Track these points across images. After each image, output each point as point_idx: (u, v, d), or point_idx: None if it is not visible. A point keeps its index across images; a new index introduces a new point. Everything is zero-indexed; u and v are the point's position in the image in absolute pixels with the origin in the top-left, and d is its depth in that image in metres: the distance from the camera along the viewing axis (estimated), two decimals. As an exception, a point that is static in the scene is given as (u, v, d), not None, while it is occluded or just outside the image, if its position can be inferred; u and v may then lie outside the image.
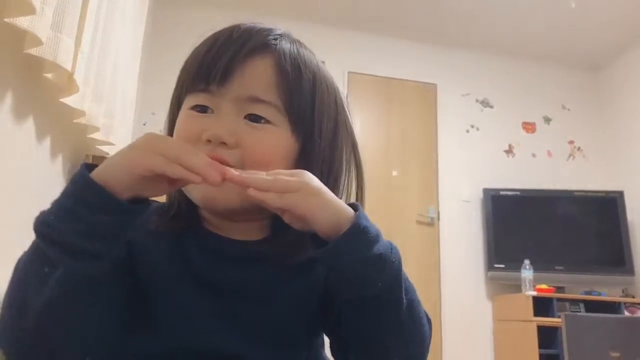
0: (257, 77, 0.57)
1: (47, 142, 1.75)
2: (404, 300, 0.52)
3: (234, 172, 0.49)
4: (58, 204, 0.46)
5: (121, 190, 0.46)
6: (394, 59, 4.39)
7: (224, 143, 0.55)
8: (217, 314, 0.55)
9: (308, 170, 0.57)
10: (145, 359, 0.54)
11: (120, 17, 2.12)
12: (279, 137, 0.58)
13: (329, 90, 0.63)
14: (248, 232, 0.61)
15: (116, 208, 0.46)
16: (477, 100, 4.49)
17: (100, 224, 0.45)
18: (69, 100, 1.65)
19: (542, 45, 4.44)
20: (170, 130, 0.64)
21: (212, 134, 0.55)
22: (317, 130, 0.60)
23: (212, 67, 0.56)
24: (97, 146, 2.19)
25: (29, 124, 1.58)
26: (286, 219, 0.50)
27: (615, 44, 4.34)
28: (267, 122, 0.57)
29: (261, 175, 0.49)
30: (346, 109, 0.66)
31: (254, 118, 0.57)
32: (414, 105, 4.38)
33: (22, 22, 1.22)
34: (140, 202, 0.48)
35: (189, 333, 0.54)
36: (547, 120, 4.57)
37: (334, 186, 0.61)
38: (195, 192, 0.58)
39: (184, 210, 0.61)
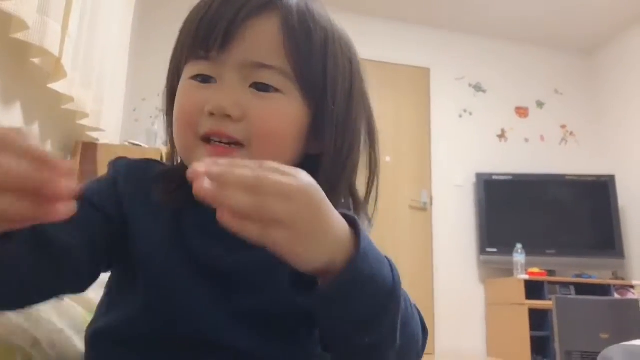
0: (261, 39, 0.51)
1: (35, 128, 1.73)
2: (398, 341, 0.45)
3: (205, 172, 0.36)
4: None
5: None
6: (387, 43, 4.36)
7: (229, 116, 0.50)
8: (214, 301, 0.52)
9: (321, 141, 0.53)
10: (126, 338, 0.52)
11: (107, 0, 2.08)
12: (288, 106, 0.52)
13: (343, 49, 0.56)
14: None
15: None
16: (470, 85, 4.49)
17: None
18: (57, 86, 1.63)
19: (535, 30, 4.43)
20: (170, 103, 0.58)
21: (214, 106, 0.50)
22: (330, 95, 0.54)
23: (211, 30, 0.51)
24: (87, 132, 2.17)
25: (17, 110, 1.56)
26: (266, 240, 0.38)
27: (608, 28, 4.33)
28: (275, 90, 0.52)
29: (240, 175, 0.36)
30: (362, 72, 0.59)
31: (261, 87, 0.51)
32: (406, 90, 4.36)
33: (8, 5, 1.20)
34: None
35: (185, 320, 0.52)
36: (540, 104, 4.58)
37: (347, 158, 0.56)
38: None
39: (188, 185, 0.56)
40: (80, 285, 0.52)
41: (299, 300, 0.44)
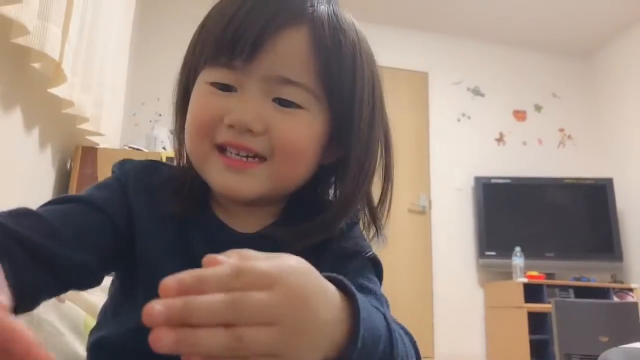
0: (289, 53, 0.49)
1: (35, 133, 1.73)
2: None
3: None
4: None
5: None
6: (385, 47, 4.36)
7: (249, 130, 0.48)
8: None
9: (340, 151, 0.52)
10: (129, 349, 0.50)
11: (107, 5, 2.09)
12: (312, 122, 0.51)
13: (368, 59, 0.55)
14: (258, 217, 0.56)
15: None
16: (468, 89, 4.50)
17: None
18: (57, 91, 1.63)
19: (532, 34, 4.44)
20: (181, 101, 0.56)
21: (236, 119, 0.48)
22: (356, 112, 0.52)
23: (238, 39, 0.48)
24: (87, 137, 2.17)
25: (17, 115, 1.56)
26: None
27: (605, 31, 4.35)
28: (298, 106, 0.50)
29: (208, 309, 0.28)
30: (380, 77, 0.58)
31: (284, 102, 0.50)
32: (405, 94, 4.37)
33: (9, 10, 1.20)
34: None
35: None
36: (538, 108, 4.59)
37: (369, 168, 0.55)
38: (216, 178, 0.51)
39: (197, 191, 0.55)
40: (85, 287, 0.51)
41: None
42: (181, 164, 0.58)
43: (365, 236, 0.59)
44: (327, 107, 0.52)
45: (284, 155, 0.50)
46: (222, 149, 0.50)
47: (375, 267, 0.57)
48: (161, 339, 0.27)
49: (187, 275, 0.28)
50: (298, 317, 0.31)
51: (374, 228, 0.59)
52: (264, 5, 0.49)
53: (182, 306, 0.27)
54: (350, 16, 0.55)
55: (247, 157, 0.50)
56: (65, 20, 1.54)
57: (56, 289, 0.46)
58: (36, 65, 1.52)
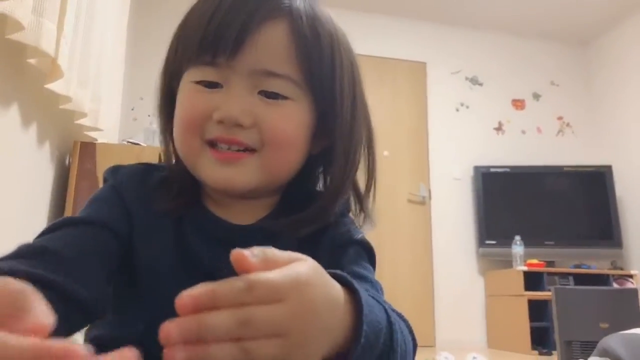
0: (272, 47, 0.50)
1: (33, 129, 1.73)
2: None
3: None
4: None
5: None
6: (383, 38, 4.36)
7: (239, 124, 0.50)
8: None
9: (326, 140, 0.53)
10: (144, 353, 0.51)
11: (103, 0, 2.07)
12: (298, 112, 0.52)
13: (346, 50, 0.57)
14: (252, 210, 0.57)
15: None
16: (466, 78, 4.49)
17: None
18: (54, 86, 1.62)
19: (530, 22, 4.43)
20: (164, 103, 0.58)
21: (224, 115, 0.49)
22: (338, 99, 0.54)
23: (220, 37, 0.49)
24: (85, 132, 2.17)
25: (14, 111, 1.56)
26: None
27: (603, 18, 4.33)
28: (284, 97, 0.51)
29: (220, 327, 0.29)
30: (360, 70, 0.59)
31: (270, 94, 0.51)
32: (403, 84, 4.36)
33: (3, 6, 1.20)
34: None
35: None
36: (537, 96, 4.59)
37: (354, 156, 0.56)
38: (208, 173, 0.52)
39: (187, 187, 0.56)
40: (100, 313, 0.50)
41: None
42: (170, 165, 0.58)
43: (357, 224, 0.61)
44: (311, 96, 0.53)
45: (274, 146, 0.51)
46: (212, 144, 0.51)
47: (369, 254, 0.58)
48: (174, 357, 0.29)
49: (201, 292, 0.29)
50: (306, 330, 0.32)
51: (363, 215, 0.60)
52: (242, 3, 0.50)
53: (196, 327, 0.29)
54: (327, 11, 0.56)
55: (237, 150, 0.51)
56: (60, 15, 1.54)
57: (78, 323, 0.46)
58: (32, 61, 1.51)
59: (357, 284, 0.38)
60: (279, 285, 0.31)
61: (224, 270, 0.52)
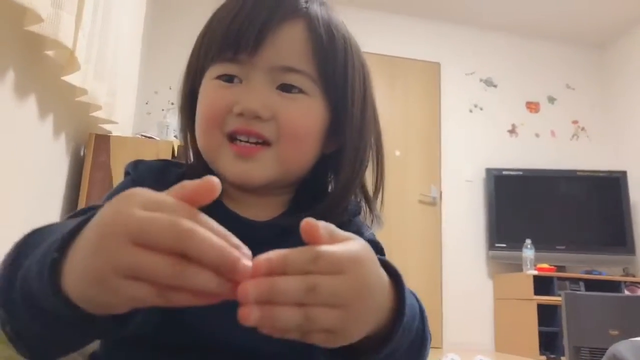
0: (290, 44, 0.54)
1: (49, 120, 1.75)
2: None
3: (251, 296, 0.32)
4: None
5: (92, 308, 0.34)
6: (397, 37, 4.34)
7: (258, 117, 0.52)
8: (233, 303, 0.52)
9: (338, 140, 0.55)
10: (138, 340, 0.52)
11: (120, -7, 2.09)
12: (313, 107, 0.55)
13: (358, 54, 0.60)
14: (268, 207, 0.58)
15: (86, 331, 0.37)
16: (480, 80, 4.46)
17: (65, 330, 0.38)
18: (70, 78, 1.64)
19: (546, 24, 4.38)
20: (187, 102, 0.60)
21: (245, 107, 0.52)
22: (350, 97, 0.57)
23: (242, 34, 0.52)
24: (100, 125, 2.19)
25: (31, 103, 1.58)
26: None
27: (620, 22, 4.28)
28: (300, 91, 0.54)
29: (291, 292, 0.32)
30: (370, 75, 0.63)
31: (287, 88, 0.54)
32: (417, 85, 4.34)
33: (23, -2, 1.21)
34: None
35: (210, 324, 0.51)
36: (551, 99, 4.54)
37: (363, 156, 0.59)
38: (227, 167, 0.54)
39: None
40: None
41: None
42: (188, 162, 0.61)
43: (368, 224, 0.63)
44: (325, 94, 0.56)
45: (290, 138, 0.53)
46: (232, 138, 0.54)
47: (379, 254, 0.59)
48: (249, 315, 0.31)
49: (275, 256, 0.32)
50: (361, 303, 0.34)
51: (372, 216, 0.62)
52: (263, 4, 0.54)
53: (269, 288, 0.31)
54: (341, 19, 0.60)
55: (255, 143, 0.53)
56: (79, 8, 1.55)
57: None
58: (50, 53, 1.53)
59: (398, 269, 0.41)
60: (341, 258, 0.33)
61: None
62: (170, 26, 3.55)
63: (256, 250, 0.53)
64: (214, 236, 0.32)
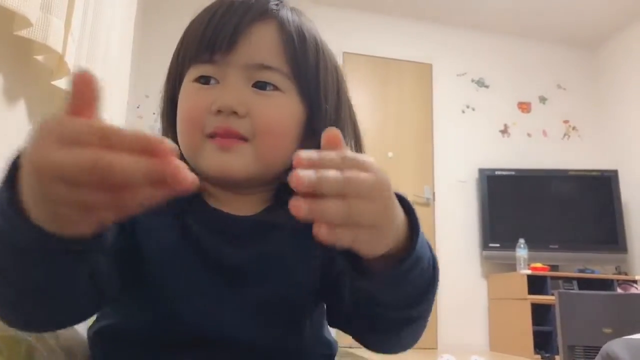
0: (262, 43, 0.56)
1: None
2: (428, 319, 0.50)
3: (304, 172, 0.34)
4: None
5: (43, 220, 0.33)
6: (389, 39, 4.36)
7: (235, 113, 0.54)
8: (221, 295, 0.54)
9: (315, 139, 0.56)
10: (135, 334, 0.54)
11: (110, -3, 2.08)
12: (288, 103, 0.57)
13: (331, 57, 0.62)
14: (250, 204, 0.59)
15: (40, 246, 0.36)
16: (472, 80, 4.48)
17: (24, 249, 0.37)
18: (60, 83, 1.63)
19: (537, 24, 4.41)
20: (168, 108, 0.62)
21: (222, 104, 0.54)
22: (322, 95, 0.59)
23: (217, 36, 0.55)
24: (90, 129, 2.18)
25: (20, 108, 1.57)
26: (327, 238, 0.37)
27: (611, 22, 4.32)
28: (275, 88, 0.56)
29: (333, 182, 0.35)
30: (345, 80, 0.65)
31: (261, 85, 0.56)
32: (409, 86, 4.36)
33: (11, 3, 1.20)
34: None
35: (192, 315, 0.53)
36: (543, 99, 4.57)
37: None
38: (208, 162, 0.55)
39: None
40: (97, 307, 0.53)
41: (360, 285, 0.45)
42: None
43: None
44: (299, 90, 0.58)
45: (265, 134, 0.55)
46: (212, 137, 0.55)
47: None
48: (300, 207, 0.34)
49: (314, 154, 0.35)
50: (389, 198, 0.38)
51: None
52: (236, 7, 0.56)
53: (317, 178, 0.34)
54: (312, 23, 0.62)
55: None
56: (68, 12, 1.54)
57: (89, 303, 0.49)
58: (39, 57, 1.52)
59: (410, 202, 0.44)
60: (365, 159, 0.37)
61: (229, 256, 0.55)
62: (160, 30, 3.54)
63: (238, 244, 0.56)
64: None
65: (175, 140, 0.59)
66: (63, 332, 0.62)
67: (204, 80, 0.56)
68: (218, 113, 0.54)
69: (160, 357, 0.53)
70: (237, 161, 0.54)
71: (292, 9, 0.60)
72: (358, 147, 0.64)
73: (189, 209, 0.57)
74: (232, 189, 0.58)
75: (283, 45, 0.57)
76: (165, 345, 0.53)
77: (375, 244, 0.39)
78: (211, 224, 0.57)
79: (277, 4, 0.58)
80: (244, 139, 0.54)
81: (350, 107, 0.64)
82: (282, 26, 0.57)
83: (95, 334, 0.57)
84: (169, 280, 0.54)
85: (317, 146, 0.57)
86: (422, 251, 0.44)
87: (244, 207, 0.59)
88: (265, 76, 0.56)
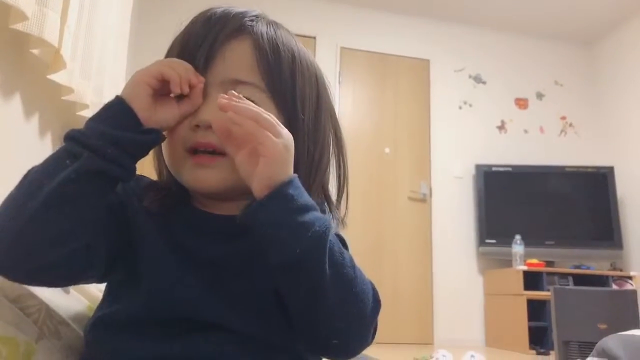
0: (237, 59, 0.59)
1: (35, 120, 1.73)
2: (327, 271, 0.51)
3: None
4: (91, 123, 0.58)
5: (141, 110, 0.55)
6: (387, 34, 4.35)
7: (211, 127, 0.57)
8: (198, 284, 0.57)
9: (295, 146, 0.58)
10: (125, 322, 0.56)
11: (107, -9, 2.07)
12: None
13: (309, 68, 0.65)
14: (234, 208, 0.60)
15: (136, 129, 0.54)
16: (470, 76, 4.48)
17: (124, 138, 0.54)
18: (56, 77, 1.62)
19: (535, 21, 4.41)
20: None
21: (199, 120, 0.58)
22: (300, 107, 0.61)
23: (195, 53, 0.59)
24: (86, 124, 2.17)
25: (16, 102, 1.56)
26: (240, 157, 0.53)
27: (608, 19, 4.32)
28: (251, 102, 0.57)
29: (247, 107, 0.51)
30: (327, 88, 0.67)
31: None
32: (406, 81, 4.35)
33: (6, -4, 1.19)
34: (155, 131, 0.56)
35: (169, 299, 0.56)
36: (540, 96, 4.57)
37: (319, 162, 0.63)
38: (188, 176, 0.59)
39: (175, 192, 0.64)
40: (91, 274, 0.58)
41: (240, 217, 0.52)
42: (161, 179, 0.67)
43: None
44: (275, 103, 0.60)
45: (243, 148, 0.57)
46: (193, 151, 0.59)
47: (342, 241, 0.63)
48: (223, 101, 0.52)
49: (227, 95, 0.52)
50: (288, 146, 0.52)
51: (335, 221, 0.66)
52: (211, 26, 0.60)
53: (234, 104, 0.51)
54: (292, 36, 0.65)
55: (212, 152, 0.58)
56: (64, 6, 1.53)
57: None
58: (35, 51, 1.51)
59: (296, 178, 0.53)
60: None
61: (211, 252, 0.58)
62: (157, 23, 3.52)
63: (221, 240, 0.60)
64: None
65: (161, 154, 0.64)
66: (66, 334, 0.63)
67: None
68: (196, 128, 0.58)
69: (151, 338, 0.56)
70: (215, 176, 0.58)
71: (269, 23, 0.63)
72: (339, 150, 0.67)
73: (174, 211, 0.62)
74: (213, 197, 0.62)
75: (257, 60, 0.60)
76: (156, 329, 0.56)
77: (271, 152, 0.50)
78: (190, 220, 0.62)
79: (252, 19, 0.61)
80: (221, 153, 0.57)
81: (332, 113, 0.67)
82: (257, 42, 0.60)
83: (91, 325, 0.59)
84: (155, 275, 0.58)
85: (296, 156, 0.60)
86: (295, 199, 0.51)
87: (227, 210, 0.62)
88: (242, 91, 0.58)
